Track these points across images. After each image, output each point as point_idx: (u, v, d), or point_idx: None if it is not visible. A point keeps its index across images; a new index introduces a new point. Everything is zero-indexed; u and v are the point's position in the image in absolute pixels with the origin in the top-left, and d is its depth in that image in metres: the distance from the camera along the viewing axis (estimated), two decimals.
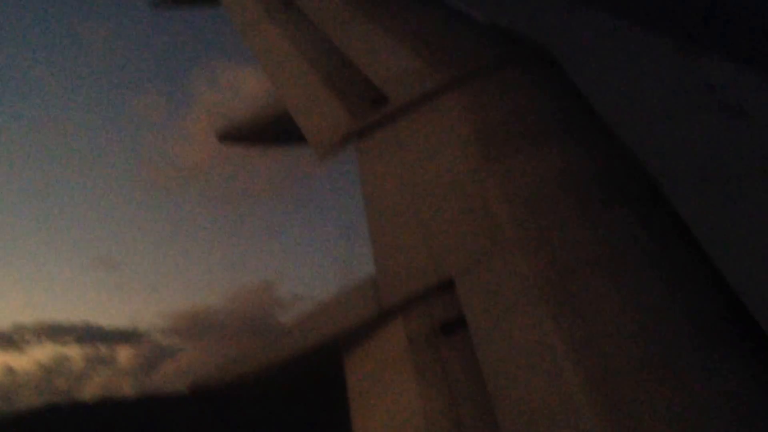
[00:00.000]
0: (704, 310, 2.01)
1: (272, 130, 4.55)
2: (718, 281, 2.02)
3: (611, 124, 2.79)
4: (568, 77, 3.22)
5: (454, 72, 3.61)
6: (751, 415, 1.73)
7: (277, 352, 2.73)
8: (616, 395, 1.82)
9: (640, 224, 2.35)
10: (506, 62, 3.59)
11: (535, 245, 2.39)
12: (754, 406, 1.74)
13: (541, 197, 2.60)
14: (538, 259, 2.33)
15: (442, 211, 2.82)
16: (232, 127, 4.82)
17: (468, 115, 3.26)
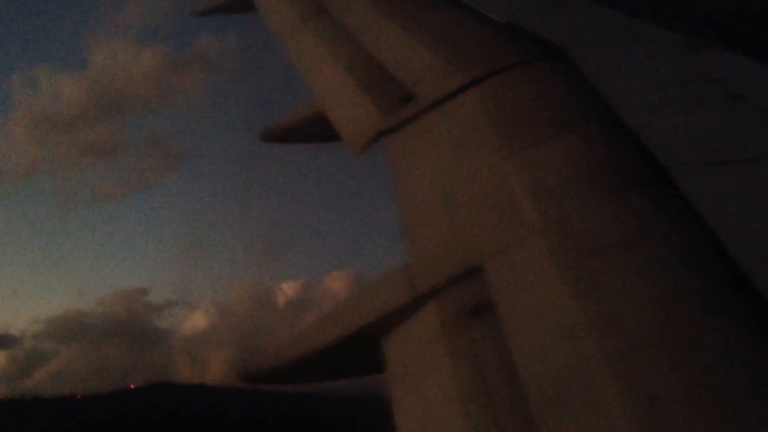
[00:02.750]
0: (715, 286, 2.00)
1: (309, 130, 4.62)
2: (726, 258, 2.02)
3: (622, 115, 2.79)
4: (581, 72, 3.21)
5: (476, 70, 3.59)
6: (755, 379, 1.74)
7: (320, 338, 2.80)
8: (636, 370, 1.81)
9: (652, 207, 2.34)
10: (524, 60, 3.58)
11: (556, 230, 2.40)
12: (760, 373, 1.75)
13: (560, 185, 2.60)
14: (560, 244, 2.33)
15: (468, 201, 2.84)
16: (273, 128, 4.91)
17: (489, 110, 3.26)
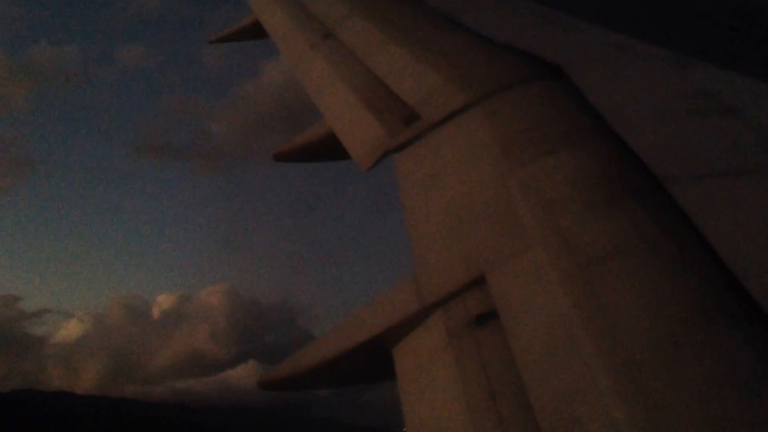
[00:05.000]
0: (711, 293, 2.00)
1: (321, 150, 4.67)
2: (721, 266, 2.02)
3: (619, 130, 2.80)
4: (578, 90, 3.22)
5: (477, 90, 3.62)
6: (752, 385, 1.73)
7: (333, 347, 2.82)
8: (637, 376, 1.81)
9: (649, 218, 2.34)
10: (523, 79, 3.60)
11: (557, 241, 2.41)
12: (760, 380, 1.75)
13: (560, 198, 2.61)
14: (559, 255, 2.34)
15: (472, 213, 2.86)
16: (286, 148, 4.97)
17: (491, 128, 3.28)
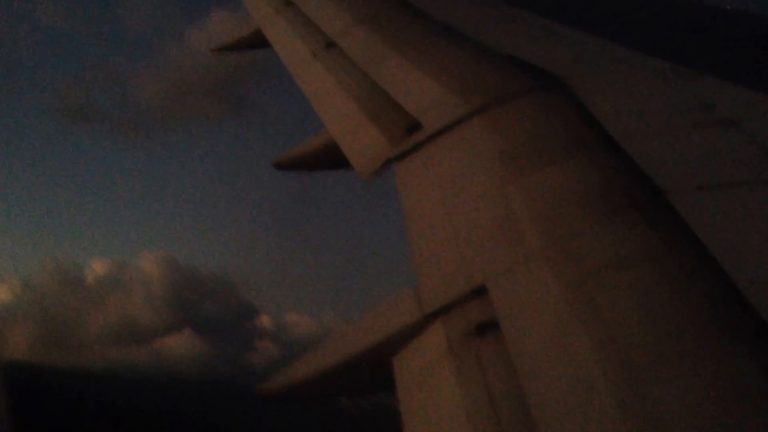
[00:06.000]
0: (712, 304, 2.00)
1: (321, 158, 4.67)
2: (722, 277, 2.02)
3: (620, 141, 2.81)
4: (579, 101, 3.23)
5: (479, 100, 3.62)
6: (755, 396, 1.72)
7: (332, 356, 2.81)
8: (637, 387, 1.80)
9: (650, 229, 2.34)
10: (525, 90, 3.61)
11: (557, 252, 2.40)
12: (759, 390, 1.74)
13: (561, 208, 2.61)
14: (560, 264, 2.34)
15: (472, 224, 2.86)
16: (287, 157, 4.96)
17: (492, 138, 3.29)
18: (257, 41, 6.67)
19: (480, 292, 2.46)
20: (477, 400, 2.09)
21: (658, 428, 1.70)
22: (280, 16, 6.39)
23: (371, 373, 2.72)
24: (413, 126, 3.79)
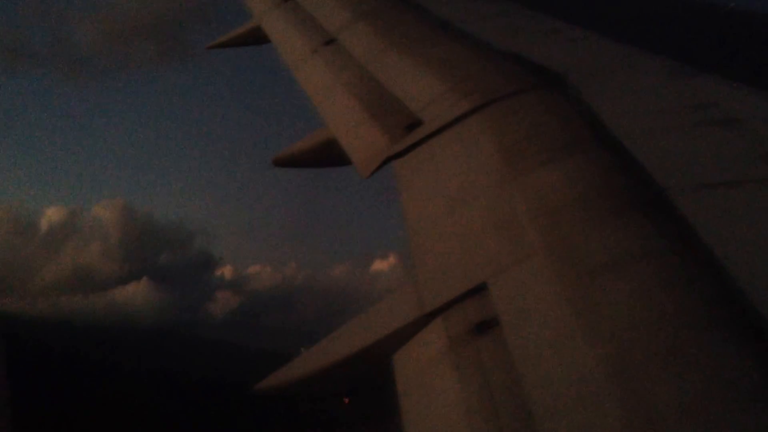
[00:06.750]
0: (712, 302, 1.99)
1: (321, 155, 4.66)
2: (722, 275, 2.02)
3: (621, 139, 2.80)
4: (580, 99, 3.23)
5: (480, 98, 3.62)
6: (753, 395, 1.73)
7: (331, 354, 2.81)
8: (637, 385, 1.81)
9: (650, 227, 2.34)
10: (526, 87, 3.61)
11: (557, 250, 2.40)
12: (757, 389, 1.74)
13: (562, 206, 2.61)
14: (561, 263, 2.34)
15: (473, 222, 2.85)
16: (287, 153, 4.95)
17: (493, 135, 3.28)
18: (256, 37, 6.66)
19: (480, 290, 2.46)
20: (477, 398, 2.09)
21: (656, 425, 1.70)
22: (279, 12, 6.38)
23: (371, 371, 2.72)
24: (413, 123, 3.79)
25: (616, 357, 1.91)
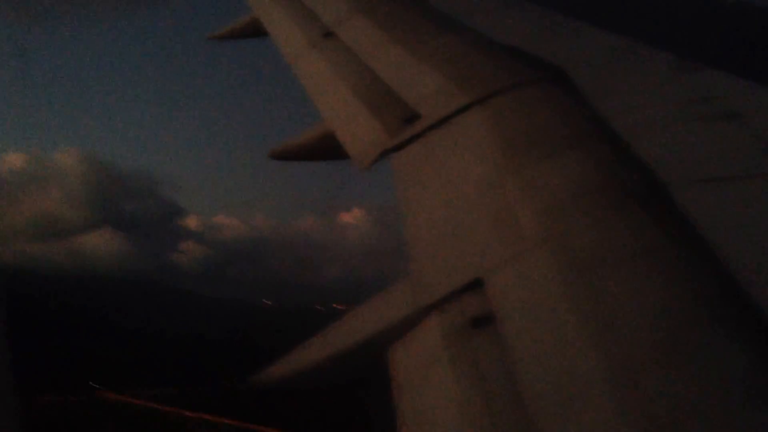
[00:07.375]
0: (712, 297, 1.98)
1: (319, 149, 4.64)
2: (723, 271, 2.00)
3: (621, 133, 2.78)
4: (581, 92, 3.21)
5: (479, 91, 3.60)
6: (752, 391, 1.71)
7: (327, 349, 2.79)
8: (635, 381, 1.79)
9: (650, 222, 2.32)
10: (525, 81, 3.58)
11: (556, 245, 2.38)
12: (756, 385, 1.72)
13: (560, 201, 2.59)
14: (559, 259, 2.32)
15: (470, 216, 2.83)
16: (284, 147, 4.93)
17: (492, 130, 3.26)
18: (254, 30, 6.64)
19: (476, 285, 2.44)
20: (472, 393, 2.07)
21: (657, 424, 1.68)
22: (277, 4, 6.35)
23: (366, 365, 2.71)
24: (411, 116, 3.76)
25: (614, 353, 1.89)
